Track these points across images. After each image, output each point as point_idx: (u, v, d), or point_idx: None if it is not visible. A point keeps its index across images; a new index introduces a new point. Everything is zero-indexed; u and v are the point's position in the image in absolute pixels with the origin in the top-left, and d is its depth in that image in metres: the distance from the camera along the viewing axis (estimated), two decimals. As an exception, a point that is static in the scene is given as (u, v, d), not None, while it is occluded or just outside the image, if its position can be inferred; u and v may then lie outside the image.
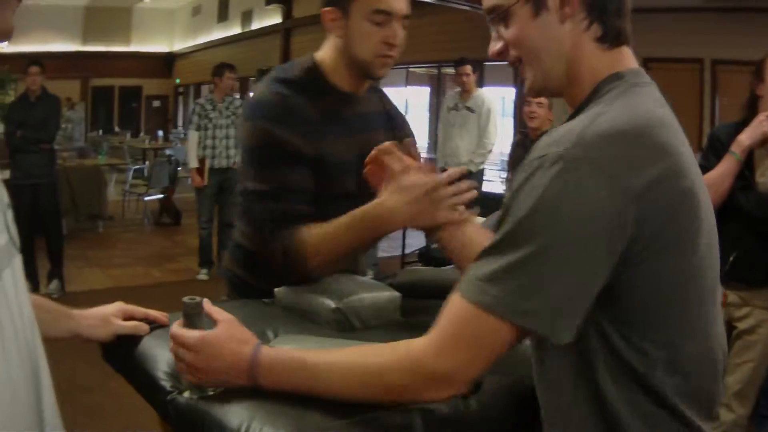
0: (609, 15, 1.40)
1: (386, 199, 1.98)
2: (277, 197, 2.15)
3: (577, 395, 1.31)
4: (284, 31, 18.42)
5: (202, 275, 8.77)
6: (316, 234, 2.09)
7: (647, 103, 1.35)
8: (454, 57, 8.68)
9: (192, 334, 1.46)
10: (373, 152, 2.03)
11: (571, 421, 1.33)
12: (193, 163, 8.41)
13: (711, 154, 3.61)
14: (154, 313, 1.87)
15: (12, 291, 1.19)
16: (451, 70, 12.18)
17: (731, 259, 3.49)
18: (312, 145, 2.21)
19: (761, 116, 3.43)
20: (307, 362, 1.40)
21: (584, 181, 1.19)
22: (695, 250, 1.28)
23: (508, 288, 1.22)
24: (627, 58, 1.44)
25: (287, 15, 18.18)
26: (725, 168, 3.47)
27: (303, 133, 2.19)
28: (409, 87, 18.24)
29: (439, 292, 1.45)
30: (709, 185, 3.39)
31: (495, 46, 1.50)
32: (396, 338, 1.40)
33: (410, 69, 16.54)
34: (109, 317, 1.80)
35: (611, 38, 1.41)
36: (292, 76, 2.29)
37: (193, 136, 8.44)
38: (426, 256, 7.59)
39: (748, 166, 3.50)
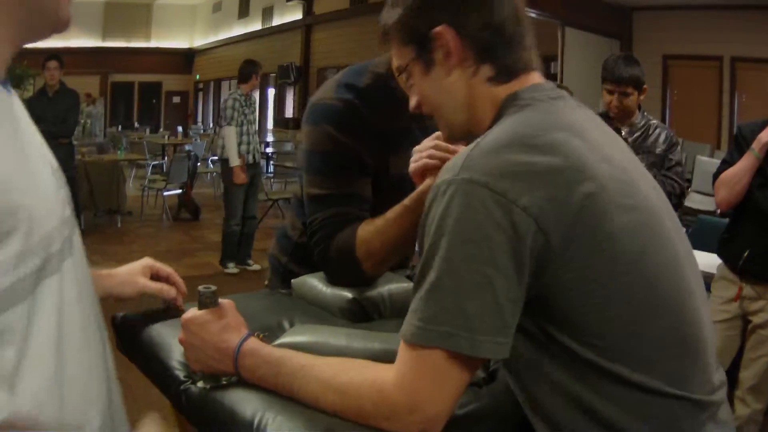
0: (498, 54, 1.42)
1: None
2: (343, 202, 2.09)
3: (545, 390, 1.31)
4: (305, 27, 18.42)
5: (231, 269, 8.70)
6: (367, 231, 2.02)
7: (539, 115, 1.35)
8: None
9: (187, 314, 1.50)
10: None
11: (549, 413, 1.31)
12: (236, 160, 8.17)
13: (735, 150, 3.64)
14: (177, 277, 1.89)
15: (81, 256, 1.21)
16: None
17: (746, 255, 3.52)
18: (375, 157, 2.15)
19: None
20: (287, 362, 1.41)
21: (473, 202, 1.21)
22: (616, 245, 1.25)
23: (427, 316, 1.23)
24: (527, 80, 1.44)
25: (308, 11, 18.19)
26: (743, 165, 3.50)
27: (368, 143, 2.11)
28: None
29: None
30: (726, 182, 3.55)
31: (412, 101, 1.57)
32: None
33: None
34: (136, 275, 1.83)
35: (505, 74, 1.42)
36: (361, 83, 2.17)
37: (232, 131, 8.21)
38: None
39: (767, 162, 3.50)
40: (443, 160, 1.80)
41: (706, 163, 9.72)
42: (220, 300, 1.51)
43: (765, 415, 3.66)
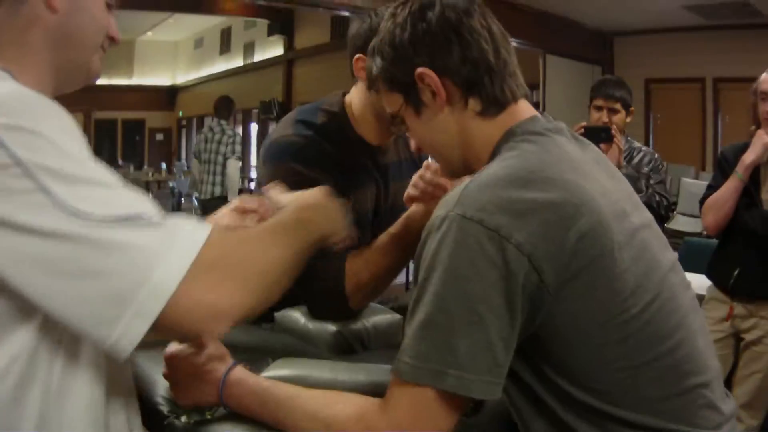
0: (484, 86, 1.41)
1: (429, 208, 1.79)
2: None
3: (545, 427, 1.30)
4: (286, 62, 18.44)
5: None
6: (356, 264, 1.95)
7: (536, 149, 1.34)
8: None
9: (170, 348, 1.48)
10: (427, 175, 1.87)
11: None
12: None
13: (719, 174, 3.67)
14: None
15: None
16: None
17: (735, 274, 3.54)
18: (341, 193, 1.94)
19: (761, 131, 3.48)
20: (273, 393, 1.39)
21: (467, 239, 1.20)
22: (613, 284, 1.24)
23: (418, 353, 1.21)
24: (519, 112, 1.45)
25: (289, 46, 18.22)
26: (728, 188, 3.54)
27: (333, 177, 1.97)
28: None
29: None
30: (713, 206, 3.58)
31: (412, 143, 1.60)
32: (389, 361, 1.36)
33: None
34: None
35: (494, 106, 1.43)
36: (316, 121, 2.13)
37: (236, 165, 8.21)
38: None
39: (754, 183, 3.54)
40: (424, 192, 1.86)
41: (691, 184, 9.76)
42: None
43: (760, 431, 3.64)
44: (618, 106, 4.06)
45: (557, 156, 1.33)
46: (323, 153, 2.06)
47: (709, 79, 11.36)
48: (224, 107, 8.56)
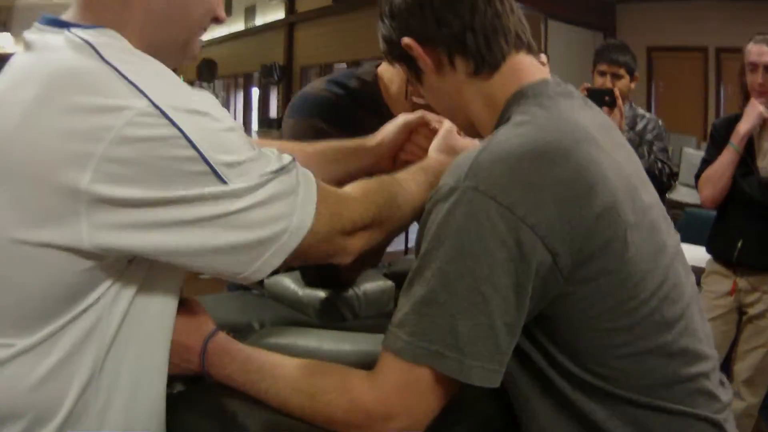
0: (467, 46, 1.35)
1: (435, 156, 1.69)
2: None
3: (547, 405, 1.26)
4: (288, 25, 18.27)
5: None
6: None
7: (551, 116, 1.28)
8: None
9: None
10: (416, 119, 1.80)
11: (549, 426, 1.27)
12: None
13: (713, 146, 3.62)
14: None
15: None
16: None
17: (739, 246, 3.47)
18: None
19: (754, 100, 3.44)
20: (255, 361, 1.34)
21: (478, 214, 1.13)
22: (625, 267, 1.19)
23: (416, 330, 1.16)
24: (525, 71, 1.38)
25: (290, 9, 18.03)
26: (724, 160, 3.48)
27: None
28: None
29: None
30: (709, 179, 3.56)
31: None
32: (381, 329, 1.31)
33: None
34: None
35: (485, 65, 1.36)
36: (351, 84, 2.08)
37: None
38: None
39: (749, 152, 3.49)
40: (414, 155, 1.77)
41: (693, 155, 9.64)
42: (184, 297, 1.41)
43: (761, 410, 3.60)
44: (622, 71, 4.01)
45: (572, 125, 1.26)
46: (353, 116, 1.99)
47: (712, 49, 11.24)
48: (207, 70, 8.70)
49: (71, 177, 1.02)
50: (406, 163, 1.66)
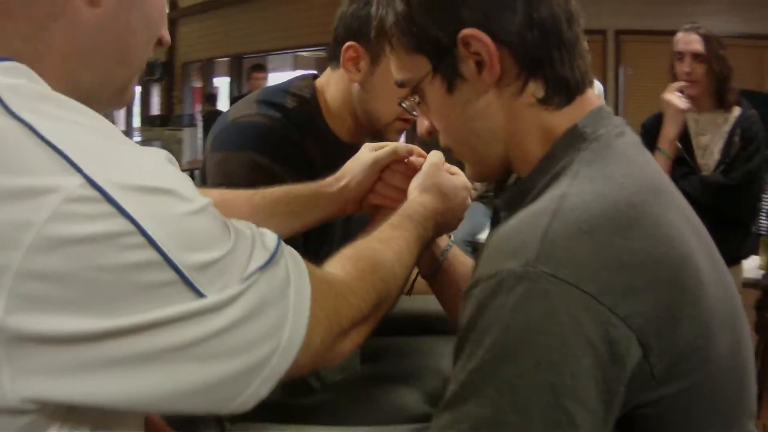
0: (553, 65, 1.08)
1: (420, 198, 1.46)
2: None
3: None
4: (170, 21, 17.67)
5: None
6: None
7: (624, 168, 1.04)
8: None
9: None
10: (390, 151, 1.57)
11: None
12: None
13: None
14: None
15: None
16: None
17: None
18: None
19: (667, 96, 3.44)
20: None
21: (557, 310, 0.90)
22: (713, 356, 0.99)
23: None
24: (582, 105, 1.12)
25: (173, 5, 17.54)
26: None
27: (299, 176, 1.64)
28: (297, 71, 17.74)
29: (401, 327, 1.24)
30: None
31: (422, 124, 1.26)
32: (357, 401, 1.35)
33: (297, 53, 16.03)
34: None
35: (561, 94, 1.10)
36: (287, 104, 1.79)
37: None
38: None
39: (687, 151, 3.49)
40: (386, 198, 1.57)
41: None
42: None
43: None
44: None
45: (649, 177, 1.06)
46: (294, 144, 1.74)
47: (611, 32, 11.26)
48: None
49: None
50: (376, 207, 1.56)
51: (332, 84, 1.86)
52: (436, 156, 1.51)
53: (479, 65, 1.08)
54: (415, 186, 1.47)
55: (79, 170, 0.75)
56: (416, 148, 1.56)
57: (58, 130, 0.77)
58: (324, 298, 1.00)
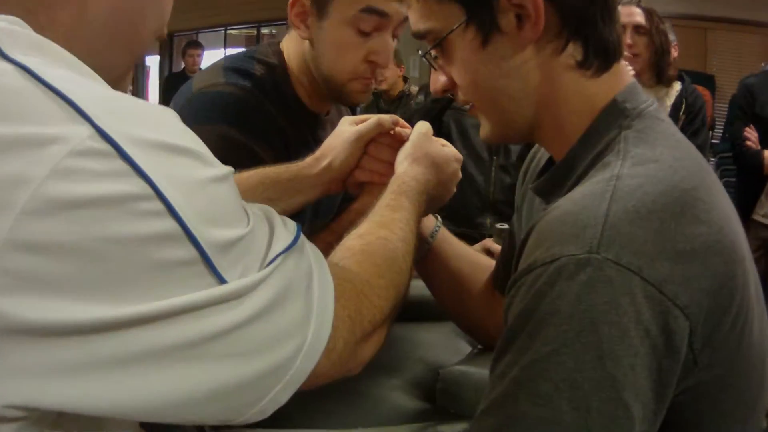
0: (596, 26, 1.04)
1: (412, 171, 1.37)
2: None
3: None
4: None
5: None
6: None
7: (673, 151, 1.01)
8: (275, 16, 8.07)
9: None
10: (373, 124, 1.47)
11: None
12: None
13: None
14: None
15: None
16: (271, 30, 11.76)
17: None
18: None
19: None
20: None
21: (621, 299, 0.85)
22: (744, 343, 0.97)
23: None
24: (619, 76, 1.09)
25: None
26: None
27: (273, 149, 1.59)
28: (228, 49, 17.44)
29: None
30: None
31: (438, 80, 1.18)
32: (341, 396, 1.34)
33: (228, 30, 15.81)
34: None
35: (600, 59, 1.06)
36: (255, 71, 1.66)
37: None
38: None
39: None
40: (374, 174, 1.48)
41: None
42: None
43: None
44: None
45: (696, 159, 1.03)
46: (266, 115, 1.62)
47: None
48: None
49: None
50: (361, 185, 1.49)
51: (291, 47, 1.75)
52: (423, 126, 1.44)
53: (519, 18, 1.03)
54: (403, 157, 1.39)
55: (87, 119, 0.64)
56: (400, 119, 1.48)
57: (63, 77, 0.67)
58: (346, 298, 0.91)
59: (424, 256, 1.51)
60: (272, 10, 9.98)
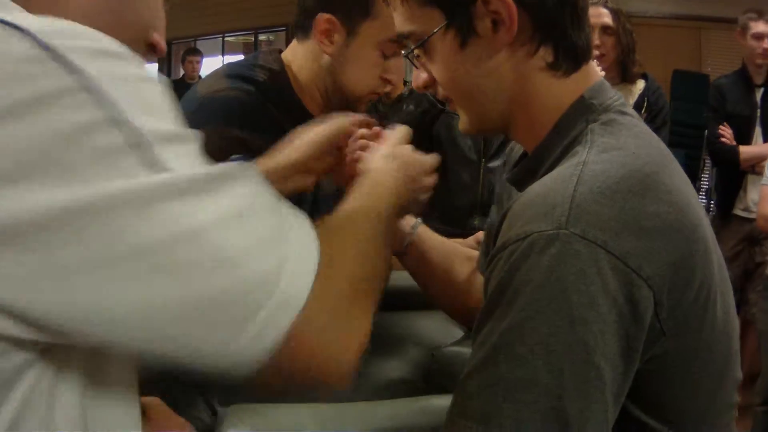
0: (566, 31, 1.12)
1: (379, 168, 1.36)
2: None
3: None
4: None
5: None
6: None
7: (635, 139, 1.09)
8: (272, 23, 8.10)
9: None
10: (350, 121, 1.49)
11: None
12: None
13: None
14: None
15: None
16: (269, 37, 11.79)
17: None
18: None
19: None
20: None
21: (588, 269, 0.93)
22: (709, 316, 1.05)
23: (513, 423, 0.93)
24: (588, 75, 1.18)
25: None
26: None
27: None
28: (226, 56, 17.37)
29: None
30: None
31: (420, 76, 1.25)
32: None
33: (226, 38, 15.78)
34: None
35: (569, 61, 1.14)
36: (258, 77, 1.75)
37: None
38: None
39: None
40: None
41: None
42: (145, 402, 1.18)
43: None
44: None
45: (657, 147, 1.11)
46: (269, 118, 1.70)
47: None
48: None
49: None
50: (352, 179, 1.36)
51: (300, 56, 1.84)
52: (405, 127, 1.47)
53: (495, 24, 1.10)
54: (380, 153, 1.38)
55: (27, 33, 0.67)
56: (370, 120, 1.51)
57: (14, 11, 0.71)
58: (329, 278, 0.85)
59: (407, 249, 1.57)
60: (269, 17, 10.02)
